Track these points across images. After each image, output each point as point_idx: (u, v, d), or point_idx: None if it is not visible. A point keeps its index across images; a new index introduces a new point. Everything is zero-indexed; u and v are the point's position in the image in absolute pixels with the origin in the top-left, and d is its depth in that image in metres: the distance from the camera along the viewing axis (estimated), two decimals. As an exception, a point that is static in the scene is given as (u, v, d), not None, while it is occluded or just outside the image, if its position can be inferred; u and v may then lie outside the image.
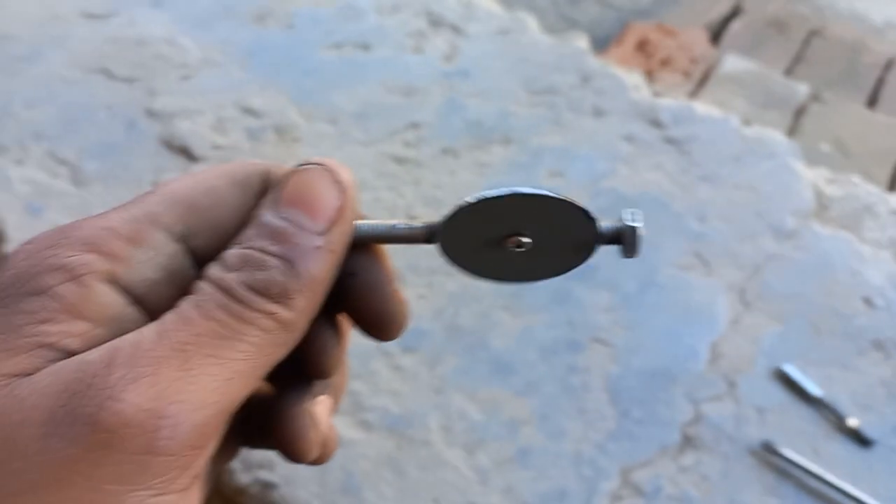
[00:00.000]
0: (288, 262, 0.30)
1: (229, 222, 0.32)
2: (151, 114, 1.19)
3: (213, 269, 0.30)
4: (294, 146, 1.15)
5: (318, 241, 0.30)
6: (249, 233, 0.31)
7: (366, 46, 1.30)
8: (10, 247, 1.02)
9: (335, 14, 1.35)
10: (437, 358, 0.94)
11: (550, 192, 0.34)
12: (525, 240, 0.34)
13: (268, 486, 0.85)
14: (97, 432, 0.26)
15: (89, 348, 0.28)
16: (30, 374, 0.27)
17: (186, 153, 1.14)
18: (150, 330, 0.28)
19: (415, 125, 1.17)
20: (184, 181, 0.32)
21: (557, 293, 0.98)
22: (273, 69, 1.26)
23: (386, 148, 1.14)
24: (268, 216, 0.31)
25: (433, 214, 1.05)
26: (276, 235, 0.30)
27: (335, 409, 0.38)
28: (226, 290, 0.29)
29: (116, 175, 1.11)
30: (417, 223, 0.35)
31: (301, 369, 0.35)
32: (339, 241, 0.31)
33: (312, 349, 0.35)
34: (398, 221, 0.35)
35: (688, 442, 0.88)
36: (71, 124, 1.18)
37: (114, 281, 0.29)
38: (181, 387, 0.27)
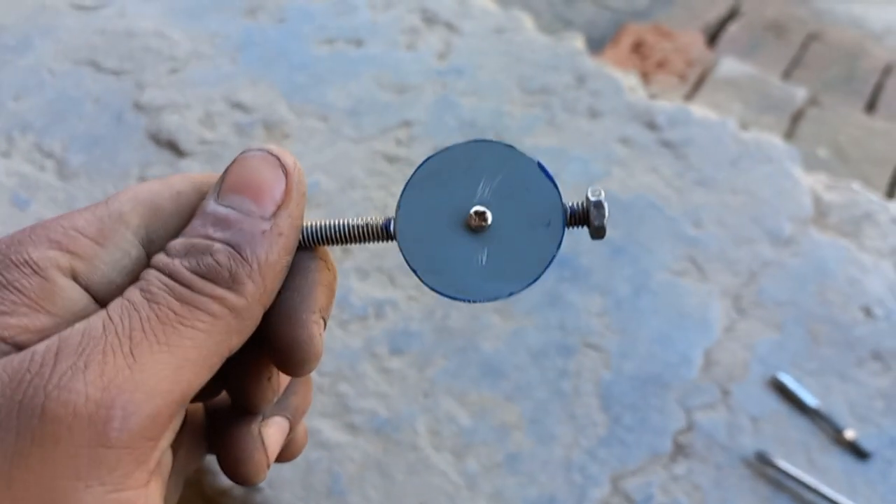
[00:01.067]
0: (234, 246, 0.29)
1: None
2: (139, 107, 1.17)
3: (158, 257, 0.29)
4: (284, 142, 1.13)
5: (265, 226, 0.30)
6: (195, 223, 0.30)
7: (358, 42, 1.28)
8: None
9: (328, 9, 1.33)
10: (427, 360, 0.92)
11: (501, 142, 0.32)
12: (486, 211, 0.32)
13: (251, 489, 0.83)
14: (45, 423, 0.25)
15: None
16: None
17: (173, 147, 1.12)
18: (97, 318, 0.27)
19: (407, 123, 1.15)
20: (151, 185, 0.32)
21: (549, 296, 0.96)
22: (264, 64, 1.24)
23: (378, 146, 1.12)
24: (212, 205, 0.30)
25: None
26: (220, 222, 0.30)
27: (295, 428, 0.36)
28: (171, 274, 0.29)
29: (102, 168, 1.09)
30: (372, 216, 0.33)
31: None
32: (287, 225, 0.31)
33: (239, 384, 0.34)
34: (354, 217, 0.33)
35: (680, 450, 0.87)
36: (58, 116, 1.16)
37: (75, 278, 0.29)
38: (130, 375, 0.26)
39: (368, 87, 1.20)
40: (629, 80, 1.23)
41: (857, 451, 0.86)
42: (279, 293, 0.32)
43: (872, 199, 1.09)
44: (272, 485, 0.83)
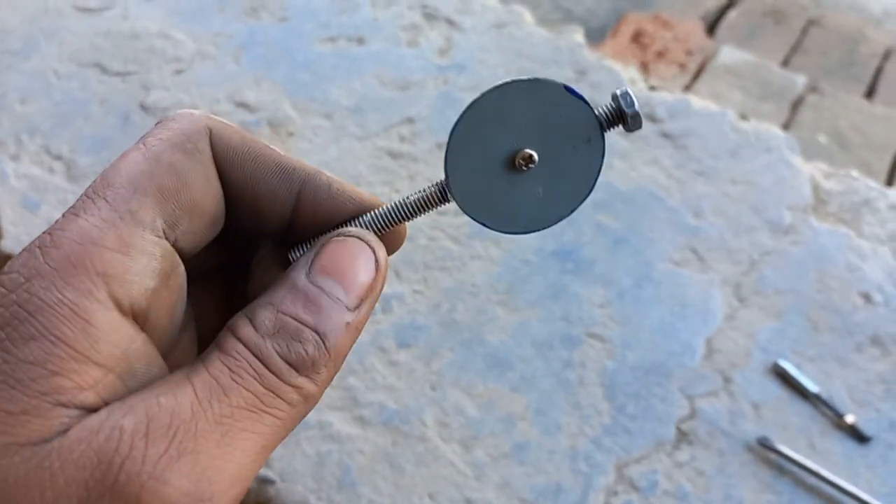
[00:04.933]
0: (321, 335, 0.29)
1: (202, 201, 0.30)
2: (145, 108, 1.19)
3: (247, 331, 0.28)
4: (289, 140, 1.15)
5: (349, 317, 0.30)
6: (282, 293, 0.29)
7: (360, 40, 1.29)
8: (7, 243, 1.02)
9: (329, 7, 1.34)
10: (433, 353, 0.94)
11: (536, 77, 0.33)
12: (532, 153, 0.33)
13: (264, 481, 0.85)
14: None
15: (104, 399, 0.26)
16: (51, 439, 0.24)
17: (181, 148, 1.13)
18: (185, 394, 0.26)
19: (410, 119, 1.16)
20: (136, 163, 0.29)
21: (553, 288, 0.98)
22: (267, 63, 1.25)
23: (381, 142, 1.14)
24: (303, 280, 0.30)
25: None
26: (311, 304, 0.29)
27: None
28: (261, 358, 0.28)
29: (110, 170, 1.11)
30: (426, 187, 0.34)
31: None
32: (364, 319, 0.31)
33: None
34: (405, 196, 0.34)
35: (683, 437, 0.88)
36: (65, 118, 1.18)
37: (116, 305, 0.27)
38: (220, 465, 0.26)
39: (371, 84, 1.22)
40: (629, 73, 1.24)
41: (857, 436, 0.88)
42: None
43: (871, 185, 1.10)
44: (284, 477, 0.85)
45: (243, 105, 1.19)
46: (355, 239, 0.31)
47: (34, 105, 1.19)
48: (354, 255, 0.31)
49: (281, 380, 0.28)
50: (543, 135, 0.33)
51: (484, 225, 0.33)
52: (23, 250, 0.27)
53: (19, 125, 1.17)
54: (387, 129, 1.16)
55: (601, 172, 0.34)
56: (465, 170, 0.33)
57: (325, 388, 0.30)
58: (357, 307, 0.30)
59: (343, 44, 1.28)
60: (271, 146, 0.33)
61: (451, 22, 1.31)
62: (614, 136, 1.14)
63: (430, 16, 1.33)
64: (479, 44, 1.28)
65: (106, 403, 0.26)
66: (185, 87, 1.21)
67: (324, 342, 0.29)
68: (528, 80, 0.33)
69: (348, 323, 0.30)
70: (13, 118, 1.18)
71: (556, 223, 0.34)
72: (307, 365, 0.28)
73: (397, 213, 0.34)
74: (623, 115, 0.33)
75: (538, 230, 0.34)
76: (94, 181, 0.29)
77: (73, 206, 0.28)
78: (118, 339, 0.26)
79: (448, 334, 0.95)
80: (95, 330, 0.26)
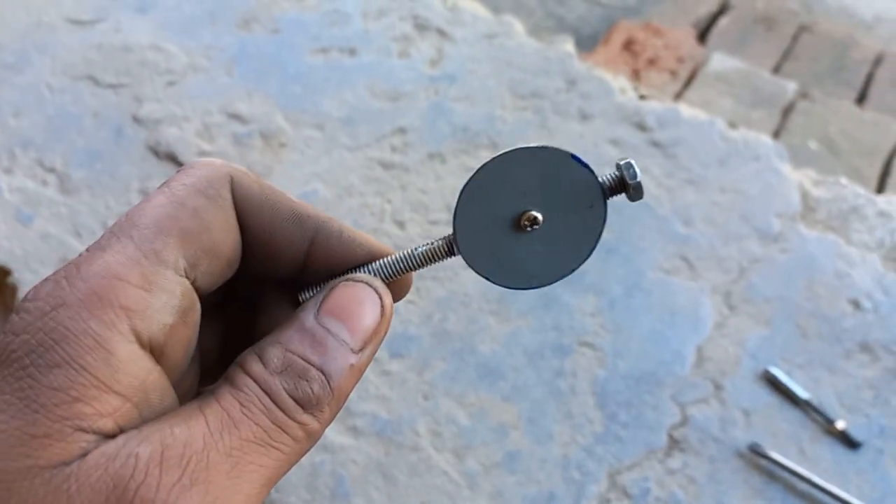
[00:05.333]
0: (326, 375, 0.30)
1: (222, 244, 0.32)
2: (138, 120, 1.19)
3: (257, 368, 0.30)
4: (281, 152, 1.15)
5: (353, 359, 0.31)
6: (291, 333, 0.31)
7: (352, 51, 1.30)
8: (0, 256, 1.03)
9: (321, 19, 1.35)
10: (425, 363, 0.94)
11: (545, 144, 0.35)
12: (537, 215, 0.34)
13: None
14: None
15: (121, 427, 0.27)
16: (70, 463, 0.25)
17: (173, 160, 1.14)
18: (198, 425, 0.27)
19: (401, 130, 1.17)
20: (161, 206, 0.31)
21: (544, 298, 0.98)
22: (259, 75, 1.26)
23: (373, 153, 1.15)
24: (311, 321, 0.31)
25: (420, 220, 1.06)
26: (317, 345, 0.30)
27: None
28: (270, 394, 0.29)
29: (104, 182, 1.11)
30: (434, 241, 0.36)
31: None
32: (367, 362, 0.32)
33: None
34: (413, 247, 0.35)
35: (674, 444, 0.89)
36: (58, 131, 1.18)
37: (137, 338, 0.28)
38: (229, 496, 0.27)
39: (362, 95, 1.22)
40: (619, 82, 1.25)
41: (847, 441, 0.89)
42: None
43: (859, 192, 1.11)
44: (278, 488, 0.86)
45: (236, 117, 1.19)
46: (363, 284, 0.33)
47: (27, 118, 1.20)
48: (361, 299, 0.32)
49: (288, 416, 0.29)
50: (548, 198, 0.34)
51: (487, 279, 0.35)
52: (46, 279, 0.28)
53: (12, 139, 1.17)
54: (378, 139, 1.16)
55: (601, 236, 0.35)
56: (473, 227, 0.35)
57: (327, 426, 0.31)
58: (361, 350, 0.31)
59: (335, 55, 1.29)
60: (287, 194, 0.34)
61: (442, 33, 1.32)
62: (608, 147, 1.15)
63: (422, 27, 1.33)
64: (470, 54, 1.29)
65: (122, 431, 0.27)
66: (177, 100, 1.22)
67: (328, 382, 0.30)
68: (537, 147, 0.34)
69: (352, 364, 0.31)
70: (6, 132, 1.18)
71: (556, 281, 0.35)
72: (312, 403, 0.30)
73: (404, 263, 0.35)
74: (626, 185, 0.35)
75: (539, 287, 0.35)
76: (119, 220, 0.31)
77: (97, 242, 0.30)
78: (137, 371, 0.27)
79: (440, 344, 0.96)
80: (117, 360, 0.27)
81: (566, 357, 0.94)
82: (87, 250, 0.29)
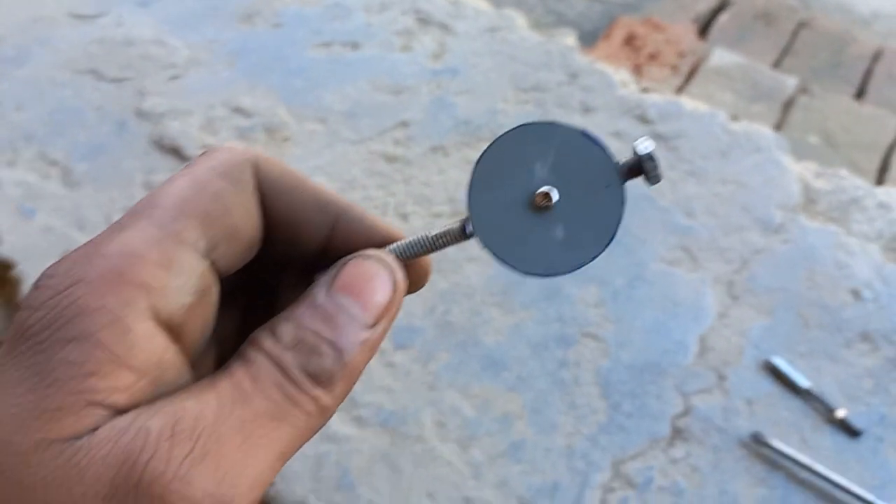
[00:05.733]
0: (337, 350, 0.30)
1: (242, 228, 0.32)
2: (141, 114, 1.19)
3: (269, 343, 0.30)
4: (284, 145, 1.16)
5: (365, 335, 0.31)
6: (303, 310, 0.31)
7: (354, 45, 1.30)
8: (3, 249, 1.03)
9: (323, 13, 1.35)
10: (430, 355, 0.95)
11: (554, 121, 0.34)
12: (550, 192, 0.33)
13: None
14: None
15: (135, 403, 0.27)
16: (81, 437, 0.25)
17: (177, 153, 1.14)
18: (210, 399, 0.27)
19: (404, 123, 1.17)
20: (183, 189, 0.31)
21: (547, 289, 0.99)
22: (261, 69, 1.26)
23: (376, 146, 1.15)
24: (323, 297, 0.31)
25: (423, 212, 1.06)
26: (328, 320, 0.30)
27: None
28: (282, 369, 0.29)
29: (107, 176, 1.12)
30: (448, 223, 0.35)
31: None
32: (380, 338, 0.32)
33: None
34: (427, 230, 0.35)
35: (678, 434, 0.89)
36: (60, 125, 1.18)
37: (154, 316, 0.28)
38: (241, 469, 0.27)
39: (365, 89, 1.23)
40: (620, 75, 1.26)
41: (848, 430, 0.89)
42: None
43: (859, 184, 1.11)
44: (283, 478, 0.86)
45: (239, 111, 1.20)
46: (374, 260, 0.32)
47: (29, 112, 1.20)
48: (372, 274, 0.32)
49: (300, 390, 0.29)
50: (563, 177, 0.34)
51: (505, 263, 0.34)
52: (65, 257, 0.28)
53: (15, 132, 1.17)
54: (381, 133, 1.17)
55: (622, 220, 0.34)
56: (487, 207, 0.34)
57: (340, 402, 0.31)
58: (373, 325, 0.31)
59: (337, 49, 1.29)
60: (310, 180, 0.34)
61: (444, 26, 1.33)
62: (611, 140, 1.15)
63: (424, 21, 1.34)
64: (472, 48, 1.29)
65: (136, 407, 0.27)
66: (180, 94, 1.22)
67: (341, 357, 0.30)
68: (546, 123, 0.34)
69: (364, 340, 0.31)
70: (9, 125, 1.18)
71: (576, 269, 0.34)
72: (324, 377, 0.30)
73: (419, 246, 0.35)
74: (644, 172, 0.33)
75: (558, 274, 0.34)
76: (141, 201, 0.31)
77: (118, 221, 0.30)
78: (153, 348, 0.27)
79: (444, 336, 0.96)
80: (133, 336, 0.27)
81: (570, 348, 0.95)
82: (108, 229, 0.29)
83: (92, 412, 0.26)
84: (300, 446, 0.30)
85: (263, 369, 0.29)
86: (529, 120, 0.33)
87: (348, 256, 0.33)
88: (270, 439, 0.28)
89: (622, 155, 0.34)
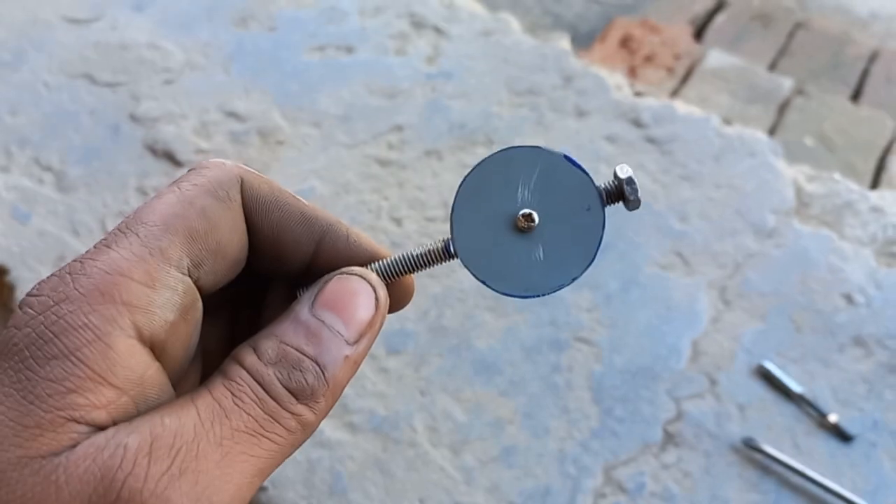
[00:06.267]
0: (320, 366, 0.30)
1: (228, 245, 0.32)
2: (135, 118, 1.19)
3: (250, 359, 0.30)
4: (278, 149, 1.16)
5: (348, 351, 0.31)
6: (288, 327, 0.31)
7: (349, 49, 1.30)
8: (-4, 253, 1.03)
9: (317, 16, 1.35)
10: (422, 359, 0.95)
11: (538, 145, 0.34)
12: (532, 213, 0.34)
13: (255, 489, 0.86)
14: None
15: (115, 419, 0.27)
16: (60, 454, 0.26)
17: (170, 158, 1.14)
18: (189, 415, 0.27)
19: (398, 127, 1.17)
20: (170, 205, 0.31)
21: (540, 293, 0.99)
22: (256, 72, 1.26)
23: (370, 150, 1.15)
24: (306, 314, 0.31)
25: (417, 217, 1.06)
26: (311, 336, 0.31)
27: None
28: (262, 384, 0.29)
29: (101, 180, 1.12)
30: (430, 242, 0.36)
31: None
32: (363, 354, 0.32)
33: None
34: (411, 249, 0.35)
35: (670, 439, 0.89)
36: (55, 129, 1.18)
37: (137, 334, 0.28)
38: (220, 486, 0.27)
39: (359, 92, 1.23)
40: (615, 79, 1.26)
41: (840, 435, 0.89)
42: None
43: (853, 188, 1.11)
44: (275, 484, 0.86)
45: (233, 114, 1.20)
46: (357, 276, 0.33)
47: (24, 116, 1.20)
48: (355, 291, 0.32)
49: (281, 406, 0.29)
50: (545, 199, 0.34)
51: (485, 284, 0.35)
52: (52, 275, 0.29)
53: (9, 136, 1.17)
54: (375, 137, 1.17)
55: (602, 243, 0.35)
56: (470, 227, 0.35)
57: (323, 418, 0.31)
58: (356, 342, 0.32)
59: (331, 53, 1.29)
60: (297, 196, 0.35)
61: (438, 30, 1.33)
62: (604, 144, 1.15)
63: (418, 24, 1.34)
64: (467, 52, 1.29)
65: (116, 424, 0.27)
66: (174, 98, 1.22)
67: (323, 373, 0.30)
68: (530, 147, 0.34)
69: (347, 356, 0.31)
70: (3, 130, 1.18)
71: (556, 290, 0.35)
72: (307, 393, 0.30)
73: (402, 265, 0.35)
74: (624, 198, 0.35)
75: (537, 296, 0.35)
76: (128, 217, 0.31)
77: (105, 238, 0.30)
78: (135, 365, 0.28)
79: (436, 340, 0.96)
80: (115, 354, 0.27)
81: (562, 352, 0.95)
82: (95, 247, 0.30)
83: (71, 429, 0.26)
84: (281, 462, 0.30)
85: (244, 385, 0.29)
86: (515, 144, 0.34)
87: (332, 273, 0.33)
88: (250, 455, 0.28)
89: (605, 175, 0.35)
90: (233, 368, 0.30)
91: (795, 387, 0.91)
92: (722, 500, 0.85)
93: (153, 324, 0.29)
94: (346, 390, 0.92)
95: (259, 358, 0.30)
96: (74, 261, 0.29)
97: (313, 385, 0.30)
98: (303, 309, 0.31)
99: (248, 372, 0.29)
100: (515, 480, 0.86)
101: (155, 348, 0.29)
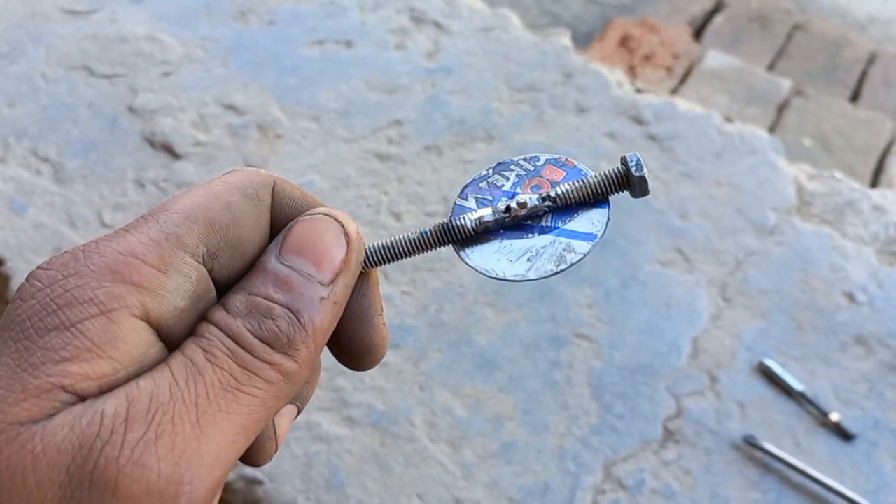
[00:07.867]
0: (294, 312, 0.29)
1: (248, 241, 0.31)
2: (133, 111, 1.19)
3: (219, 314, 0.29)
4: (277, 143, 1.15)
5: (323, 292, 0.30)
6: (254, 278, 0.30)
7: (348, 43, 1.29)
8: (-8, 245, 1.02)
9: (317, 11, 1.35)
10: (422, 354, 0.94)
11: (541, 154, 0.35)
12: (527, 199, 0.34)
13: (253, 482, 0.85)
14: (119, 500, 0.24)
15: (105, 392, 0.26)
16: (38, 421, 0.25)
17: (169, 150, 1.13)
18: (162, 379, 0.27)
19: (398, 122, 1.17)
20: (196, 196, 0.31)
21: (540, 289, 0.98)
22: (255, 66, 1.26)
23: (369, 145, 1.14)
24: (273, 262, 0.30)
25: (417, 211, 1.05)
26: (281, 283, 0.30)
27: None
28: (233, 337, 0.28)
29: (98, 173, 1.11)
30: (425, 228, 0.35)
31: None
32: (342, 294, 0.31)
33: None
34: (404, 234, 0.35)
35: (670, 436, 0.89)
36: (53, 121, 1.18)
37: (144, 315, 0.28)
38: (198, 447, 0.26)
39: (359, 87, 1.22)
40: (615, 76, 1.25)
41: (841, 433, 0.89)
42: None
43: (854, 187, 1.11)
44: (273, 478, 0.85)
45: (231, 108, 1.19)
46: (322, 216, 0.32)
47: (22, 108, 1.19)
48: (322, 230, 0.31)
49: (256, 357, 0.28)
50: (549, 196, 0.34)
51: (475, 270, 0.34)
52: (65, 251, 0.28)
53: (7, 128, 1.16)
54: (374, 131, 1.16)
55: (605, 233, 0.35)
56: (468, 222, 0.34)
57: (309, 366, 0.30)
58: (331, 282, 0.30)
59: (331, 47, 1.29)
60: (326, 205, 0.34)
61: (438, 25, 1.32)
62: (605, 140, 1.15)
63: (418, 19, 1.33)
64: (467, 47, 1.28)
65: None
66: (172, 91, 1.21)
67: (298, 318, 0.29)
68: (531, 157, 0.35)
69: (323, 298, 0.30)
70: (0, 121, 1.17)
71: (553, 275, 0.34)
72: (282, 341, 0.29)
73: (396, 249, 0.34)
74: (631, 186, 0.34)
75: (535, 279, 0.34)
76: (155, 206, 0.31)
77: (126, 225, 0.30)
78: (138, 342, 0.27)
79: (436, 335, 0.95)
80: (117, 329, 0.27)
81: (562, 348, 0.94)
82: (115, 231, 0.30)
83: (55, 396, 0.25)
84: (267, 418, 0.29)
85: (214, 339, 0.28)
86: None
87: (297, 218, 0.32)
88: (229, 413, 0.27)
89: (610, 166, 0.34)
90: (202, 326, 0.29)
91: (796, 385, 0.91)
92: (722, 498, 0.84)
93: (162, 308, 0.28)
94: (345, 384, 0.91)
95: (228, 312, 0.29)
96: (91, 241, 0.29)
97: (288, 332, 0.29)
98: (269, 258, 0.31)
99: (216, 327, 0.29)
100: (515, 476, 0.86)
101: (162, 333, 0.29)
